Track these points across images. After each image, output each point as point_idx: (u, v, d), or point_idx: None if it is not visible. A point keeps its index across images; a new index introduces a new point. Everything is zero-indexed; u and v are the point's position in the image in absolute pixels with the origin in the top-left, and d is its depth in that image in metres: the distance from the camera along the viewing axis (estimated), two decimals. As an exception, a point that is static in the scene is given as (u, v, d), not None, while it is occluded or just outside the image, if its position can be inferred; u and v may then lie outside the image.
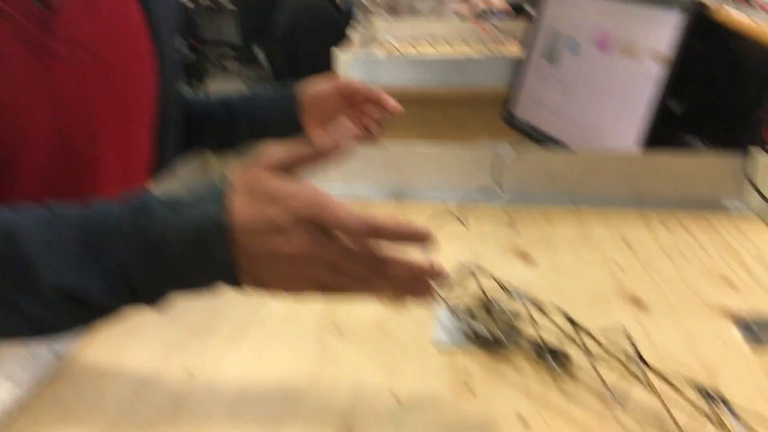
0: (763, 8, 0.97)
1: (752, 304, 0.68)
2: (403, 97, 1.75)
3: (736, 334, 0.63)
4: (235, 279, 0.50)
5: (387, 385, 0.57)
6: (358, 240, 0.49)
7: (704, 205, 0.92)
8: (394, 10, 2.97)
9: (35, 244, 0.49)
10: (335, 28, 2.30)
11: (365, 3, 2.89)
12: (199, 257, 0.49)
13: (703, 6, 1.10)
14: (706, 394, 0.46)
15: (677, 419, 0.50)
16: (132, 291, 0.49)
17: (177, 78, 0.88)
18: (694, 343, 0.62)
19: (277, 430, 0.51)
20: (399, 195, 0.98)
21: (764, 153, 0.88)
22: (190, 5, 4.95)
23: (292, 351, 0.62)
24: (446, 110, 1.77)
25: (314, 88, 0.94)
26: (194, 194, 0.51)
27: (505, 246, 0.83)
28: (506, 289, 0.60)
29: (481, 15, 2.73)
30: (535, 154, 0.97)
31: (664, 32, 1.14)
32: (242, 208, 0.49)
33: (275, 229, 0.48)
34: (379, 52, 1.96)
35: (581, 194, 0.95)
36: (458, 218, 0.82)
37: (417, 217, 0.91)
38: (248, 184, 0.50)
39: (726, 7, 1.04)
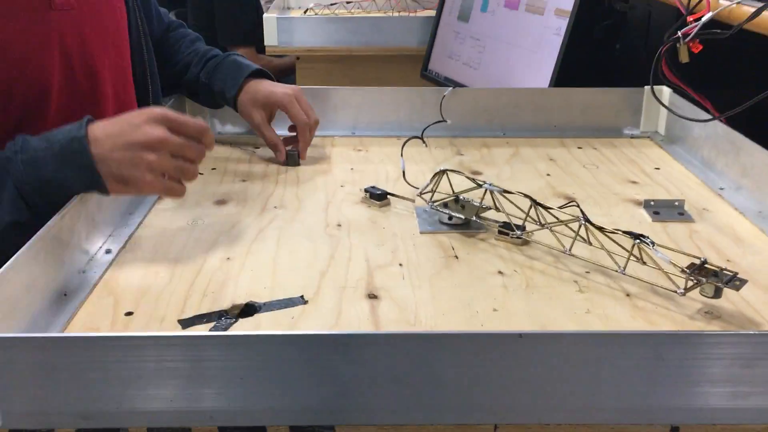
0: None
1: (651, 195, 0.88)
2: (325, 56, 1.89)
3: (644, 214, 0.83)
4: (100, 180, 0.69)
5: (392, 259, 0.72)
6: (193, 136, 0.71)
7: (607, 131, 1.13)
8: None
9: None
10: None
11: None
12: (68, 167, 0.68)
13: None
14: (634, 236, 0.65)
15: (613, 259, 0.68)
16: (27, 205, 0.69)
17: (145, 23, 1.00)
18: (615, 221, 0.81)
19: (317, 295, 0.65)
20: (357, 132, 1.13)
21: (657, 86, 1.09)
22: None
23: (308, 241, 0.76)
24: (366, 67, 1.91)
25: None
26: (62, 128, 0.71)
27: (456, 165, 0.99)
28: (475, 180, 0.77)
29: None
30: (470, 92, 1.14)
31: (566, -10, 1.34)
32: (102, 124, 0.71)
33: (131, 126, 0.69)
34: (297, 15, 2.08)
35: (510, 125, 1.13)
36: (422, 140, 0.98)
37: (381, 150, 1.06)
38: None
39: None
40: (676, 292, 0.63)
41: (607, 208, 0.85)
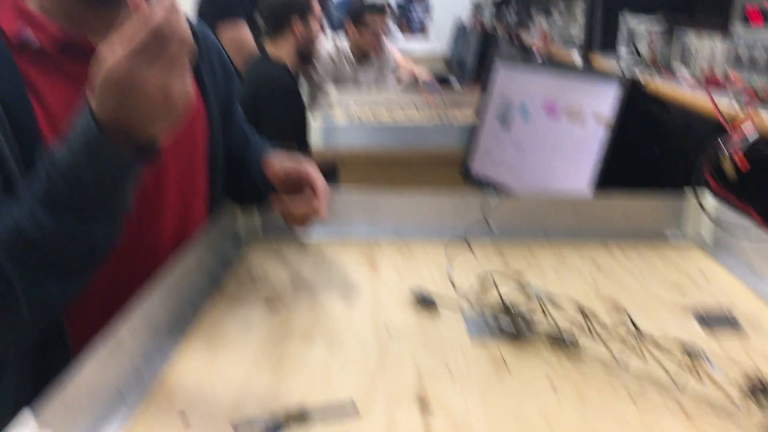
0: (685, 80, 1.22)
1: (698, 302, 0.88)
2: (368, 159, 1.95)
3: (694, 324, 0.83)
4: (134, 159, 0.69)
5: (442, 364, 0.72)
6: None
7: (651, 236, 1.13)
8: (338, 81, 3.20)
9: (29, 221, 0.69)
10: (294, 97, 2.49)
11: (314, 75, 3.11)
12: (99, 159, 0.68)
13: (636, 79, 1.35)
14: (690, 352, 0.64)
15: (669, 374, 0.67)
16: (98, 213, 0.71)
17: (222, 129, 1.04)
18: (666, 332, 0.80)
19: (369, 404, 0.65)
20: (402, 235, 1.15)
21: (699, 193, 1.10)
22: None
23: (358, 346, 0.76)
24: (408, 170, 1.97)
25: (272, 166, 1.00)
26: (73, 125, 0.70)
27: (501, 269, 1.00)
28: (524, 287, 0.77)
29: (414, 85, 2.99)
30: (514, 199, 1.16)
31: (605, 100, 1.38)
32: (99, 102, 0.67)
33: (123, 94, 0.65)
34: (339, 116, 2.16)
35: (553, 229, 1.14)
36: (467, 244, 0.99)
37: (425, 253, 1.08)
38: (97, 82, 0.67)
39: (655, 79, 1.29)
40: (735, 408, 0.62)
41: (656, 317, 0.85)
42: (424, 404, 0.65)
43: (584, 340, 0.74)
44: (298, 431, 0.61)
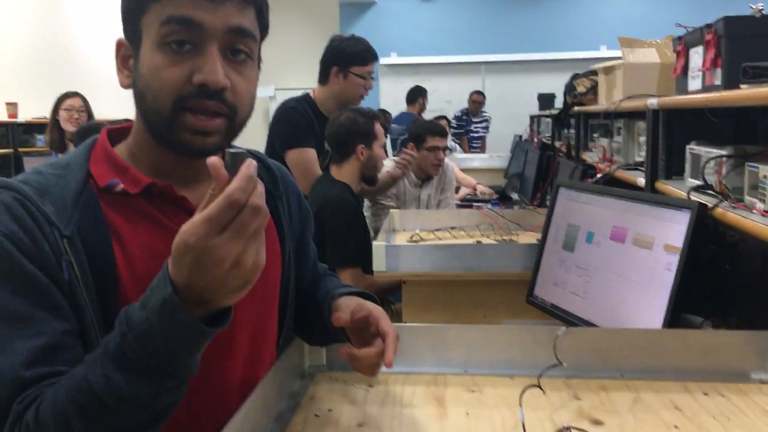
0: (757, 211, 1.19)
1: (797, 458, 0.82)
2: (430, 281, 1.95)
3: (791, 482, 0.77)
4: (205, 331, 0.71)
5: None
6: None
7: (733, 376, 1.08)
8: (400, 200, 3.26)
9: (97, 380, 0.72)
10: (356, 217, 2.53)
11: (377, 196, 3.18)
12: (173, 325, 0.70)
13: (705, 206, 1.33)
14: None
15: None
16: (164, 374, 0.72)
17: (296, 268, 1.05)
18: (759, 489, 0.75)
19: None
20: (470, 370, 1.12)
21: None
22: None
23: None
24: (471, 291, 1.95)
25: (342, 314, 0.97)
26: (152, 287, 0.72)
27: (575, 412, 0.96)
28: (605, 444, 0.74)
29: (473, 200, 3.01)
30: (583, 331, 1.13)
31: (674, 228, 1.35)
32: (177, 273, 0.69)
33: (200, 267, 0.67)
34: (403, 240, 2.18)
35: (627, 367, 1.10)
36: (539, 386, 0.96)
37: (494, 390, 1.05)
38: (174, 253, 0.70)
39: (726, 209, 1.26)
40: None
41: (748, 473, 0.79)
42: None
43: (671, 502, 0.70)
44: None
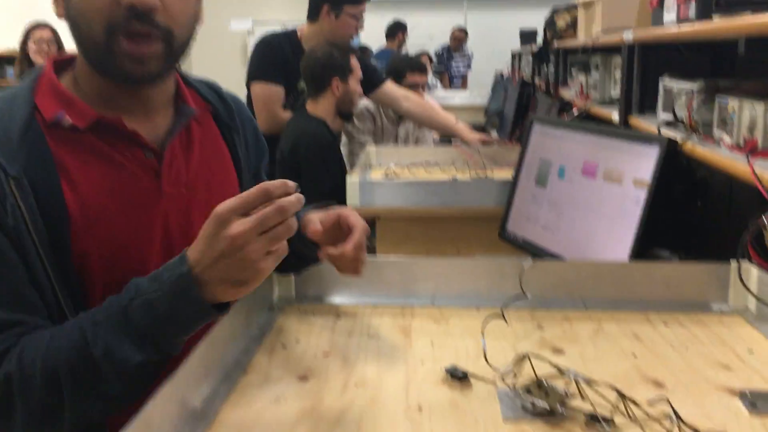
0: (726, 145, 1.19)
1: (746, 382, 0.84)
2: (405, 216, 1.95)
3: (739, 406, 0.79)
4: (211, 309, 0.74)
5: (475, 450, 0.70)
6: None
7: (694, 306, 1.10)
8: (377, 136, 3.23)
9: (97, 343, 0.74)
10: (332, 153, 2.52)
11: (351, 130, 3.16)
12: (180, 304, 0.73)
13: (675, 142, 1.33)
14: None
15: (710, 465, 0.64)
16: (156, 347, 0.73)
17: None
18: (709, 414, 0.77)
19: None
20: (437, 302, 1.14)
21: (743, 265, 1.07)
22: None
23: (390, 427, 0.75)
24: (445, 228, 1.96)
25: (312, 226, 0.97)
26: (167, 264, 0.75)
27: (537, 341, 0.98)
28: (559, 368, 0.75)
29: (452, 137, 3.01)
30: (550, 264, 1.14)
31: (643, 162, 1.36)
32: (195, 252, 0.73)
33: (214, 240, 0.71)
34: (378, 176, 2.17)
35: (591, 298, 1.12)
36: (503, 316, 0.97)
37: (461, 321, 1.07)
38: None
39: (695, 143, 1.27)
40: (783, 507, 0.59)
41: (700, 398, 0.81)
42: (455, 492, 0.63)
43: (621, 421, 0.72)
44: None
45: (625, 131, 1.59)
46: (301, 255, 1.02)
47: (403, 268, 1.15)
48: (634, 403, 0.70)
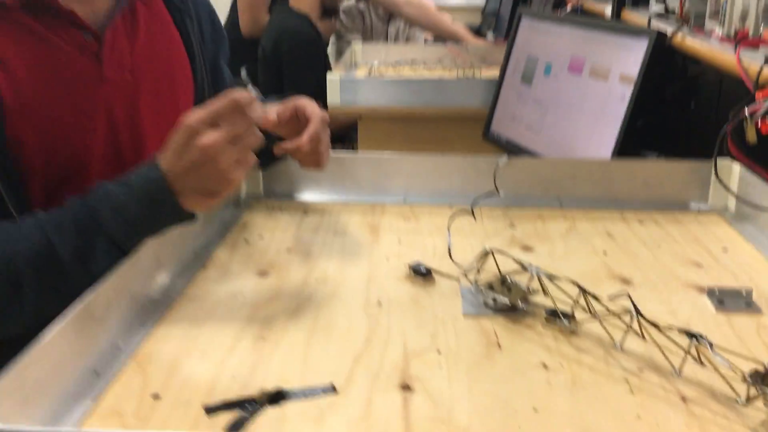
0: (716, 37, 1.13)
1: (717, 280, 0.83)
2: (387, 116, 1.90)
3: (706, 302, 0.77)
4: (184, 212, 0.71)
5: (431, 345, 0.69)
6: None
7: (672, 205, 1.07)
8: (366, 35, 3.12)
9: (65, 247, 0.70)
10: (316, 50, 2.43)
11: (340, 29, 3.04)
12: (153, 208, 0.70)
13: (664, 35, 1.27)
14: (690, 335, 0.60)
15: (668, 358, 0.63)
16: (121, 250, 0.71)
17: (210, 91, 1.00)
18: (674, 310, 0.76)
19: (349, 383, 0.62)
20: (409, 199, 1.11)
21: (728, 160, 1.03)
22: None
23: (346, 321, 0.73)
24: (428, 128, 1.91)
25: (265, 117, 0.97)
26: (136, 169, 0.72)
27: (507, 239, 0.96)
28: (522, 264, 0.73)
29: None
30: (526, 162, 1.11)
31: (630, 57, 1.30)
32: (165, 159, 0.70)
33: (184, 149, 0.69)
34: (362, 74, 2.10)
35: (567, 197, 1.09)
36: (472, 213, 0.93)
37: (431, 219, 1.04)
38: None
39: (684, 35, 1.21)
40: (736, 401, 0.58)
41: (667, 295, 0.80)
42: (406, 385, 0.62)
43: (583, 319, 0.70)
44: (272, 414, 0.58)
45: (614, 24, 1.52)
46: (263, 151, 0.98)
47: (375, 165, 1.11)
48: (595, 298, 0.68)
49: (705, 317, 0.74)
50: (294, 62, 2.34)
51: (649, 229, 1.00)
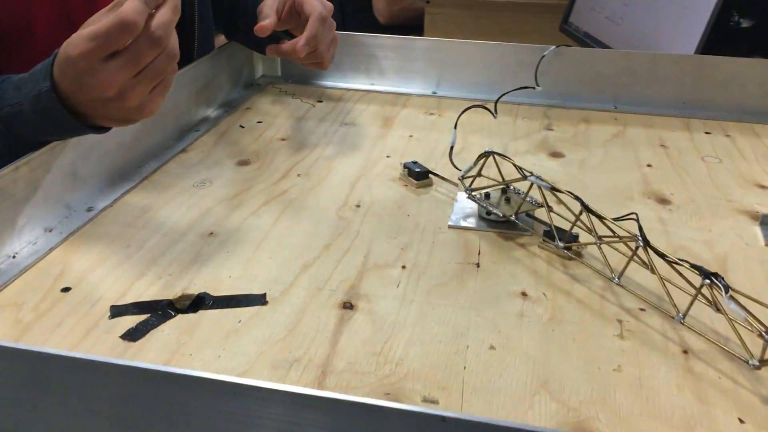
0: None
1: (781, 208, 0.67)
2: (457, 2, 1.72)
3: (757, 233, 0.62)
4: (81, 122, 0.58)
5: (397, 258, 0.58)
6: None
7: (755, 115, 0.89)
8: None
9: None
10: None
11: None
12: (47, 118, 0.58)
13: None
14: (704, 275, 0.46)
15: (674, 298, 0.50)
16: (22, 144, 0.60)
17: None
18: (711, 240, 0.61)
19: (285, 295, 0.53)
20: (439, 91, 0.97)
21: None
22: None
23: (310, 224, 0.64)
24: (500, 17, 1.72)
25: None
26: (33, 72, 0.59)
27: (536, 142, 0.82)
28: (521, 170, 0.60)
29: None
30: (579, 52, 0.94)
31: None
32: (60, 75, 0.56)
33: (82, 83, 0.54)
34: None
35: (623, 98, 0.92)
36: (487, 109, 0.80)
37: (456, 114, 0.91)
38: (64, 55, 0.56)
39: None
40: (747, 362, 0.44)
41: (709, 220, 0.65)
42: (349, 303, 0.52)
43: (587, 245, 0.57)
44: (182, 321, 0.51)
45: None
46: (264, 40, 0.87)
47: (407, 52, 0.98)
48: (600, 217, 0.55)
49: (748, 252, 0.59)
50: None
51: (716, 141, 0.83)
